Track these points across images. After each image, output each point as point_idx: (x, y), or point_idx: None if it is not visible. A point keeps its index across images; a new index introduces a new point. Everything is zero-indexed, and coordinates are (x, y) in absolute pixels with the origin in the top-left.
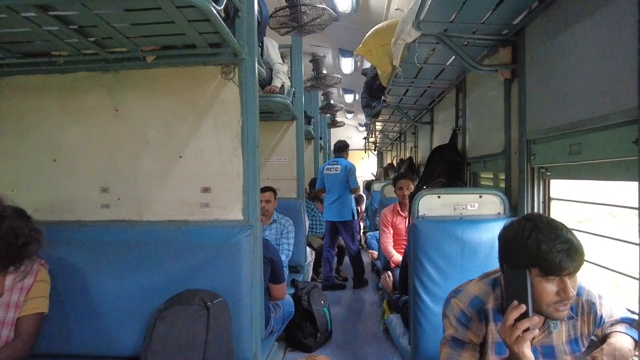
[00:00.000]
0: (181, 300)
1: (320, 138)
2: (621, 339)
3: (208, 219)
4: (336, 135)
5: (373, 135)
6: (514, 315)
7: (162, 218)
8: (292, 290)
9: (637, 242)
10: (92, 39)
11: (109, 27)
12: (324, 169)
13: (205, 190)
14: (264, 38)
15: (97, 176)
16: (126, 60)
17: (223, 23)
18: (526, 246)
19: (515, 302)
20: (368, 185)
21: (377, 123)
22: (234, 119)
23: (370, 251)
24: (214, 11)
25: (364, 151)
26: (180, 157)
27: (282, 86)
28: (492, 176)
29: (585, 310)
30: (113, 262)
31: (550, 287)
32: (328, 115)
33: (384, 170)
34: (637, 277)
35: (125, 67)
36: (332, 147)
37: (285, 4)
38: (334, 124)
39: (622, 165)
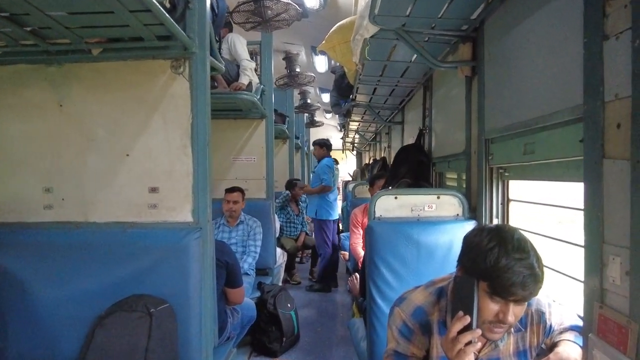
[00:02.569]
0: (123, 306)
1: (297, 137)
2: (568, 348)
3: (156, 221)
4: (316, 135)
5: (349, 135)
6: (457, 327)
7: (108, 219)
8: (258, 294)
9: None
10: (29, 29)
11: (44, 16)
12: (334, 166)
13: (153, 190)
14: (231, 34)
15: (39, 175)
16: (70, 52)
17: (166, 14)
18: (484, 257)
19: (461, 313)
20: (345, 185)
21: (352, 123)
22: (183, 116)
23: (342, 252)
24: (154, 1)
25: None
26: (128, 155)
27: (250, 83)
28: (456, 176)
29: (534, 320)
30: (55, 266)
31: (492, 306)
32: (306, 114)
33: (361, 171)
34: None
35: (70, 60)
36: (312, 147)
37: None
38: (312, 123)
39: (570, 165)
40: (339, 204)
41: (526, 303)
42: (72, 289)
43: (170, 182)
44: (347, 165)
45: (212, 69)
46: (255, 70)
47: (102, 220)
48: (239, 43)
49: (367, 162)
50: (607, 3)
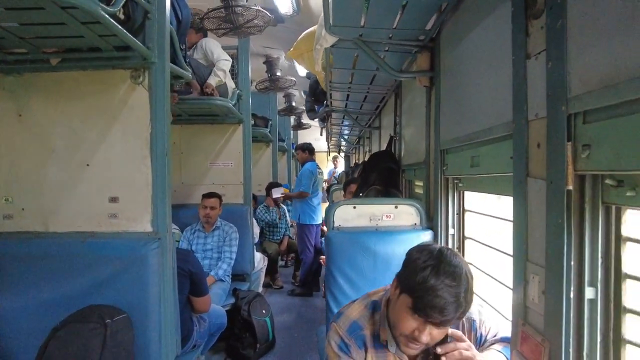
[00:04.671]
0: (78, 317)
1: (283, 140)
2: (491, 356)
3: (116, 231)
4: (303, 138)
5: (332, 139)
6: None
7: (68, 229)
8: (233, 300)
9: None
10: None
11: None
12: (317, 171)
13: (113, 200)
14: (205, 39)
15: None
16: (29, 62)
17: (118, 26)
18: (416, 273)
19: None
20: (329, 189)
21: (334, 127)
22: (142, 126)
23: (322, 257)
24: (103, 13)
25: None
26: (88, 165)
27: (225, 87)
28: (422, 184)
29: (465, 327)
30: (14, 276)
31: (410, 322)
32: (293, 117)
33: (346, 174)
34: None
35: (29, 70)
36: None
37: (220, 3)
38: (299, 126)
39: (506, 180)
40: (324, 207)
41: (447, 328)
42: (30, 299)
43: (130, 192)
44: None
45: (179, 77)
46: (233, 73)
47: (62, 230)
48: (213, 46)
49: (351, 165)
50: (530, 23)
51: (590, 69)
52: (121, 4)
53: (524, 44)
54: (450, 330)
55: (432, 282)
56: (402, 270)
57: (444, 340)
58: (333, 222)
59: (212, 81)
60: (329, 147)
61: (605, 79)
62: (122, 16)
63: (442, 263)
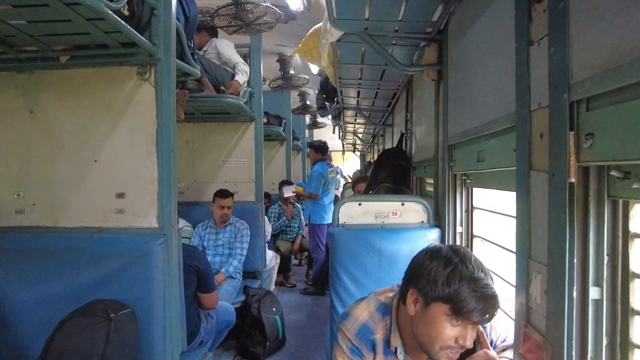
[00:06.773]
0: (84, 311)
1: (297, 139)
2: None
3: (123, 226)
4: (318, 137)
5: (346, 137)
6: None
7: (77, 224)
8: (243, 297)
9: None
10: None
11: (4, 24)
12: (327, 172)
13: (120, 196)
14: (215, 39)
15: (11, 180)
16: (40, 60)
17: (122, 22)
18: (447, 280)
19: None
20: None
21: (348, 125)
22: (148, 122)
23: None
24: (106, 9)
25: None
26: (96, 161)
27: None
28: (432, 182)
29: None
30: (24, 270)
31: (450, 331)
32: (308, 116)
33: (359, 173)
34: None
35: (40, 68)
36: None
37: (230, 1)
38: (314, 125)
39: (510, 174)
40: None
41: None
42: (39, 292)
43: (137, 188)
44: (346, 168)
45: (187, 74)
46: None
47: (71, 225)
48: (227, 47)
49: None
50: (533, 7)
51: (592, 51)
52: (125, 1)
53: (527, 30)
54: (479, 328)
55: (467, 282)
56: (418, 282)
57: (473, 349)
58: (338, 219)
59: (241, 79)
60: (343, 146)
61: (608, 61)
62: (126, 12)
63: (464, 260)
